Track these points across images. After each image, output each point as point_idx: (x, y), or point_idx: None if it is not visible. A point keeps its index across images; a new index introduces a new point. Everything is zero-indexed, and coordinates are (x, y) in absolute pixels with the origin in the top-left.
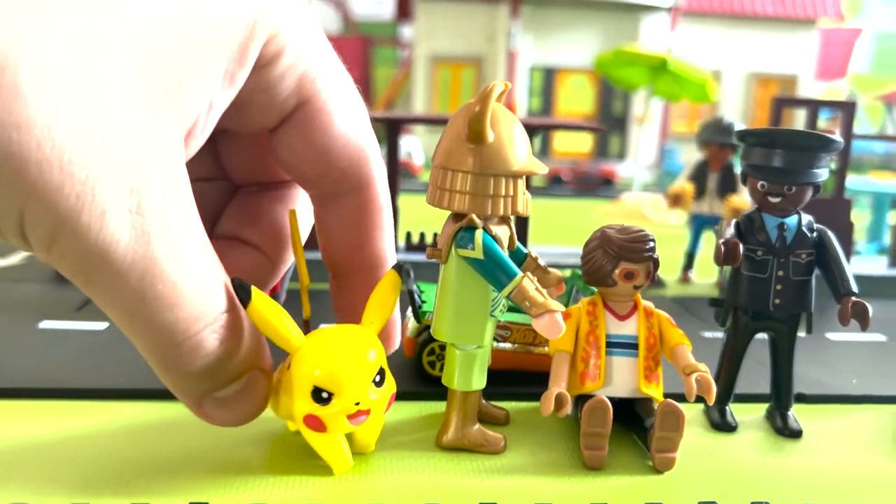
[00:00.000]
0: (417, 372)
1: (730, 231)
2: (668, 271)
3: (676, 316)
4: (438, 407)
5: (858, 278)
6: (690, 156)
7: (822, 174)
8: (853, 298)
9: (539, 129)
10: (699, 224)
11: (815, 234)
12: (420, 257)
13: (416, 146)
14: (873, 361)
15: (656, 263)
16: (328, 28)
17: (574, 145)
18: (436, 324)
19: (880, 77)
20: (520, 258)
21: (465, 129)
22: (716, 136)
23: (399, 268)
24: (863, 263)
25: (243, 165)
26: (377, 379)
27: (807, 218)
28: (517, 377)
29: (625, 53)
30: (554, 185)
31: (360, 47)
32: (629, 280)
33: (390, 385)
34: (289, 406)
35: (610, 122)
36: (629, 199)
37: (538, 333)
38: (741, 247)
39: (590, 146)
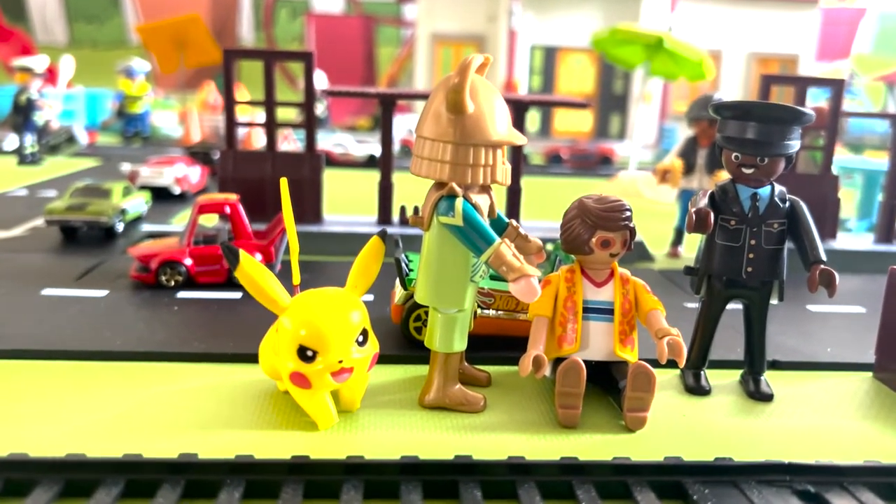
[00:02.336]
0: (404, 337)
1: (703, 201)
2: (658, 246)
3: (662, 287)
4: (423, 370)
5: (845, 253)
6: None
7: (794, 146)
8: (821, 266)
9: (529, 105)
10: (688, 199)
11: (787, 204)
12: (415, 232)
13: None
14: (850, 332)
15: (633, 232)
16: (332, 7)
17: (574, 124)
18: (419, 288)
19: (883, 57)
20: (501, 226)
21: (445, 101)
22: (704, 112)
23: (383, 234)
24: (850, 239)
25: None
26: (360, 339)
27: (779, 188)
28: (500, 342)
29: (621, 32)
30: (552, 163)
31: (363, 26)
32: (606, 248)
33: (373, 345)
34: (277, 365)
35: (611, 101)
36: (625, 177)
37: (520, 300)
38: (712, 216)
39: (590, 125)
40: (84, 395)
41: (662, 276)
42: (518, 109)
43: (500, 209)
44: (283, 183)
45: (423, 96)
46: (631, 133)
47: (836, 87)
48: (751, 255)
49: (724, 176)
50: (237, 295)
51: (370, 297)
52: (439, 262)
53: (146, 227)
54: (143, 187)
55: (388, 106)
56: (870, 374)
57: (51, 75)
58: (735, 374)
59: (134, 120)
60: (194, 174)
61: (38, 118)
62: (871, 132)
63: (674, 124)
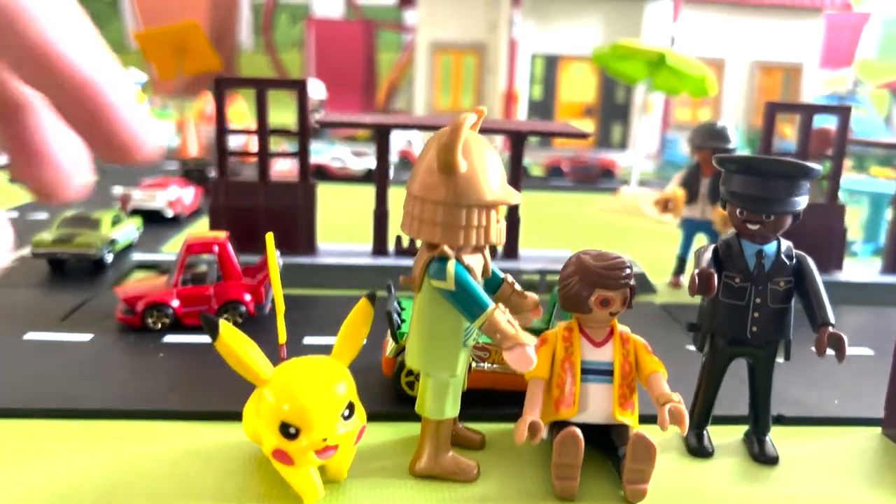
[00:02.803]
0: (395, 392)
1: (707, 258)
2: (660, 274)
3: (663, 325)
4: (415, 428)
5: (850, 285)
6: None
7: (802, 202)
8: (829, 329)
9: (527, 135)
10: (691, 228)
11: (794, 261)
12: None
13: (415, 135)
14: (858, 378)
15: (633, 290)
16: (332, 12)
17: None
18: (409, 352)
19: (887, 63)
20: (496, 283)
21: (436, 159)
22: (708, 141)
23: (372, 297)
24: (855, 269)
25: None
26: (346, 413)
27: (786, 244)
28: (495, 397)
29: (622, 48)
30: (553, 175)
31: (364, 31)
32: (605, 307)
33: (360, 417)
34: (259, 433)
35: (612, 111)
36: (627, 194)
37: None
38: (715, 277)
39: (592, 132)
40: (58, 459)
41: (664, 311)
42: (516, 139)
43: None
44: (269, 239)
45: (421, 126)
46: (633, 143)
47: (843, 115)
48: (756, 314)
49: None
50: None
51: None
52: (431, 325)
53: (137, 257)
54: (135, 211)
55: (383, 135)
56: (878, 429)
57: None
58: (738, 430)
59: None
60: (188, 196)
61: None
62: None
63: (676, 134)
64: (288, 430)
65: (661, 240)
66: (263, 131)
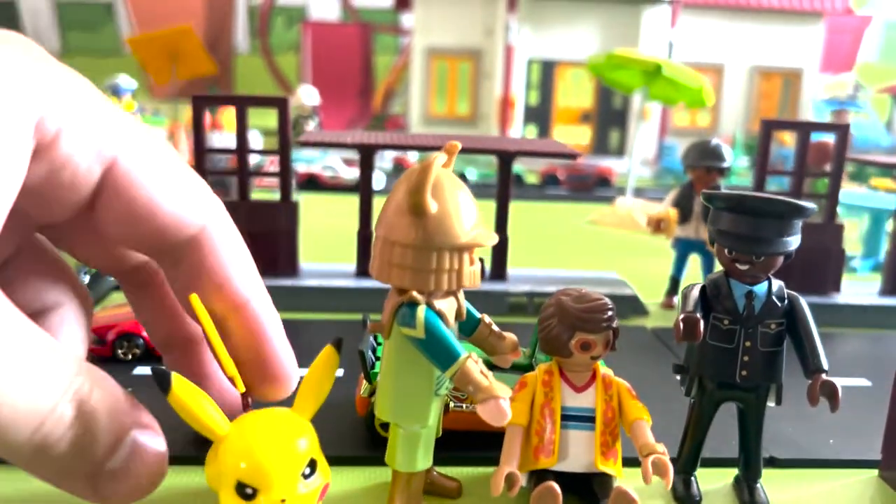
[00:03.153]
0: (369, 433)
1: (693, 299)
2: (653, 293)
3: (654, 351)
4: (388, 473)
5: (847, 308)
6: None
7: (794, 242)
8: (823, 377)
9: (514, 156)
10: (685, 248)
11: (785, 302)
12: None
13: None
14: (855, 413)
15: (616, 332)
16: (329, 15)
17: (572, 138)
18: (378, 401)
19: (888, 67)
20: (472, 325)
21: (405, 201)
22: (701, 160)
23: (338, 344)
24: (853, 291)
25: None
26: (307, 471)
27: (777, 284)
28: (473, 439)
29: (617, 57)
30: (548, 184)
31: (360, 34)
32: (586, 351)
33: (324, 473)
34: (218, 493)
35: (609, 117)
36: (622, 205)
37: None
38: (701, 324)
39: (588, 140)
40: None
41: (655, 337)
42: (504, 160)
43: (486, 261)
44: (195, 299)
45: (405, 146)
46: (630, 150)
47: (841, 133)
48: (745, 358)
49: None
50: None
51: (339, 373)
52: (400, 373)
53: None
54: None
55: (367, 156)
56: (875, 472)
57: None
58: (727, 474)
59: None
60: None
61: None
62: (877, 146)
63: (673, 141)
64: (244, 491)
65: (656, 255)
66: (243, 149)
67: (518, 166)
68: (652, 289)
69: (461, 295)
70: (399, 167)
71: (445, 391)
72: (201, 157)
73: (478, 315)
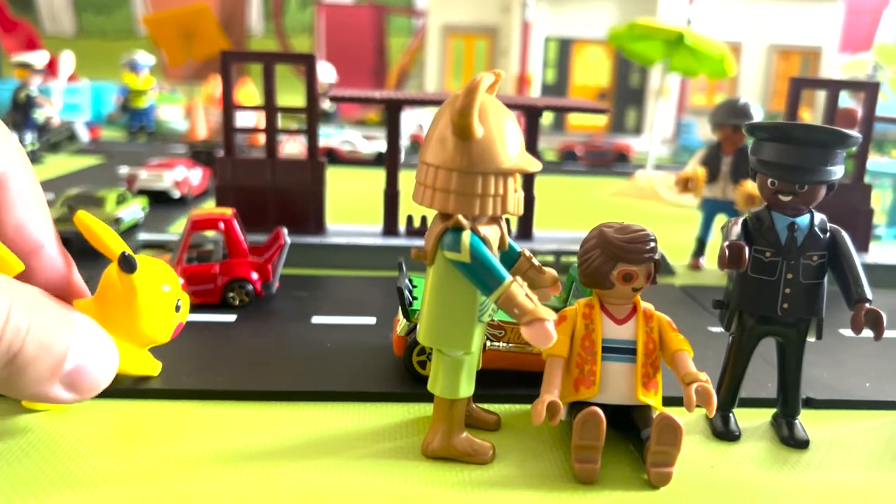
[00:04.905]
0: (407, 371)
1: (736, 231)
2: (679, 256)
3: (684, 307)
4: (427, 409)
5: (876, 267)
6: (708, 130)
7: (838, 171)
8: (867, 306)
9: (542, 110)
10: (711, 209)
11: (827, 234)
12: (421, 242)
13: (427, 119)
14: (888, 360)
15: (657, 265)
16: None
17: (589, 118)
18: (421, 328)
19: None
20: (513, 258)
21: (451, 124)
22: (729, 118)
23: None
24: (881, 251)
25: None
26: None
27: (819, 217)
28: (511, 378)
29: (639, 27)
30: (566, 160)
31: (374, 16)
32: (628, 282)
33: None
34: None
35: (627, 95)
36: (642, 177)
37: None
38: (746, 251)
39: (605, 119)
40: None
41: (684, 294)
42: (531, 115)
43: (512, 220)
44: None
45: (433, 101)
46: (648, 128)
47: (870, 91)
48: (787, 290)
49: (749, 186)
50: (231, 318)
51: (371, 320)
52: (444, 300)
53: (143, 236)
54: (141, 191)
55: (394, 111)
56: None
57: (52, 68)
58: (765, 414)
59: (139, 114)
60: (195, 176)
61: (38, 115)
62: (895, 126)
63: (691, 119)
64: (178, 305)
65: (679, 223)
66: (271, 108)
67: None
68: (677, 253)
69: (504, 224)
70: (416, 144)
71: (489, 318)
72: (230, 113)
73: (518, 248)
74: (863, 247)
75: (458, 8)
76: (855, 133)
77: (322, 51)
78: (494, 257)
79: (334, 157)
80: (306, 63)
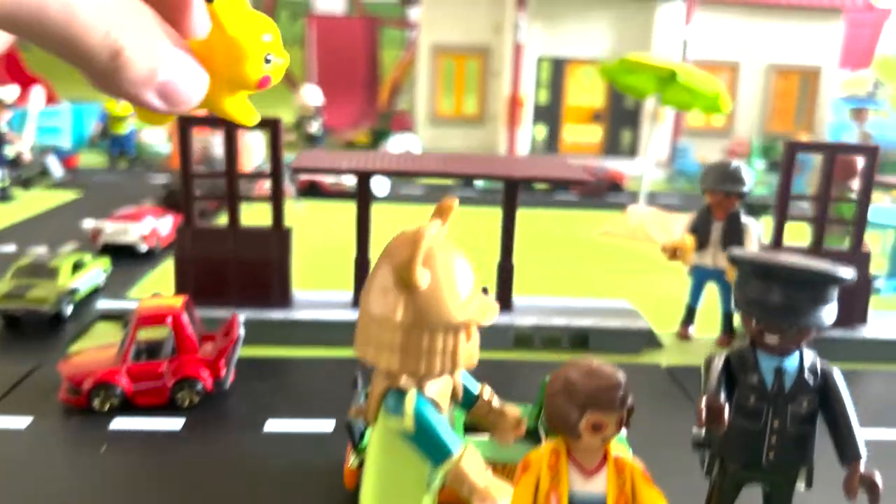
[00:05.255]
0: None
1: (716, 372)
2: (668, 318)
3: (668, 398)
4: None
5: (875, 344)
6: (705, 152)
7: (829, 313)
8: (861, 469)
9: (519, 183)
10: (701, 276)
11: (819, 376)
12: None
13: (415, 143)
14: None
15: (630, 411)
16: (334, 8)
17: (584, 136)
18: (363, 495)
19: None
20: (470, 401)
21: (393, 274)
22: (720, 183)
23: None
24: (880, 321)
25: None
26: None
27: (810, 357)
28: None
29: (629, 62)
30: (557, 189)
31: (367, 28)
32: (597, 432)
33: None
34: (225, 80)
35: (622, 116)
36: (633, 215)
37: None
38: (727, 411)
39: (600, 138)
40: None
41: (671, 379)
42: (509, 186)
43: (489, 285)
44: None
45: (407, 173)
46: (643, 153)
47: (870, 156)
48: (773, 439)
49: None
50: (178, 423)
51: (329, 425)
52: (388, 467)
53: (102, 304)
54: (106, 246)
55: (363, 180)
56: None
57: (23, 91)
58: None
59: (119, 141)
60: (164, 226)
61: (8, 151)
62: None
63: (687, 142)
64: (268, 59)
65: (671, 274)
66: (233, 174)
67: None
68: (667, 313)
69: (458, 375)
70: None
71: (440, 486)
72: (189, 182)
73: (476, 390)
74: (861, 318)
75: (448, 28)
76: (849, 273)
77: (313, 63)
78: (444, 424)
79: (317, 189)
80: (271, 129)
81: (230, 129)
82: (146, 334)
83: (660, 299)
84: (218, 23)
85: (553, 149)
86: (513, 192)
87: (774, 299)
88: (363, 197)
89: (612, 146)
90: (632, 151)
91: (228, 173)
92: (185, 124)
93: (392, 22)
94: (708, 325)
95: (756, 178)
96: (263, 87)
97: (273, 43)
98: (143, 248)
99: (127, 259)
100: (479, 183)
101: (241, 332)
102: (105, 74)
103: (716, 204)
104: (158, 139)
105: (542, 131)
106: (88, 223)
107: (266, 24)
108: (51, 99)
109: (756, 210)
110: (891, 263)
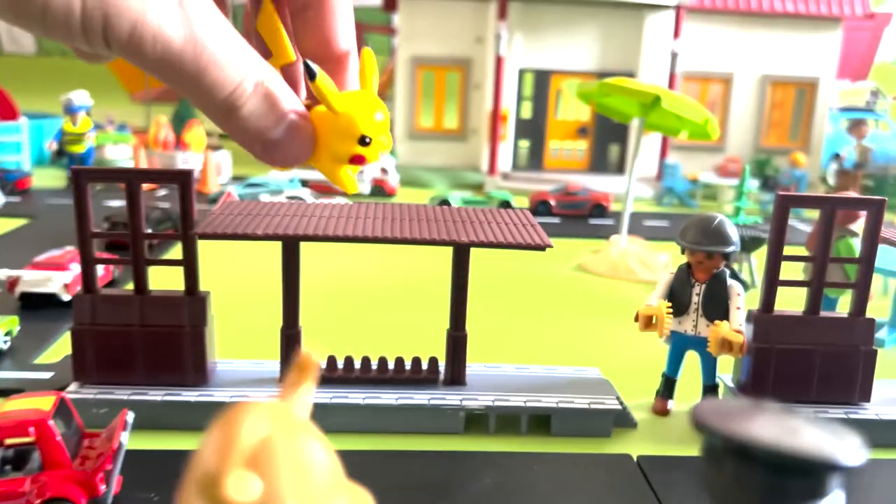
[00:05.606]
0: None
1: None
2: (646, 383)
3: (637, 499)
4: None
5: (879, 424)
6: (694, 169)
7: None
8: None
9: (468, 247)
10: (680, 344)
11: None
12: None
13: (390, 163)
14: None
15: None
16: None
17: (571, 154)
18: None
19: None
20: None
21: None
22: (701, 243)
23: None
24: (885, 391)
25: None
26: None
27: None
28: None
29: (609, 86)
30: (539, 211)
31: None
32: None
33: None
34: (326, 151)
35: (608, 131)
36: (616, 248)
37: None
38: None
39: (585, 155)
40: None
41: (639, 473)
42: (457, 253)
43: (439, 356)
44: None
45: (335, 238)
46: (628, 171)
47: (875, 211)
48: None
49: (723, 330)
50: None
51: None
52: None
53: (2, 374)
54: (24, 295)
55: (290, 247)
56: None
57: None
58: None
59: (77, 160)
60: (98, 269)
61: None
62: None
63: (676, 159)
64: (365, 140)
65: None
66: (137, 235)
67: (505, 193)
68: (645, 375)
69: None
70: (379, 189)
71: None
72: (87, 246)
73: None
74: (864, 395)
75: (428, 39)
76: (853, 459)
77: None
78: None
79: None
80: (180, 182)
81: (132, 184)
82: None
83: (638, 355)
84: (323, 98)
85: (537, 165)
86: (463, 258)
87: (758, 482)
88: (291, 264)
89: (598, 162)
90: (620, 168)
91: (133, 233)
92: (81, 178)
93: (377, 28)
94: (689, 393)
95: (747, 192)
96: (358, 164)
97: (376, 124)
98: (67, 297)
99: (43, 314)
100: (455, 203)
101: (125, 438)
102: (219, 123)
103: (696, 264)
104: (123, 155)
105: (525, 146)
106: (3, 273)
107: (372, 105)
108: (9, 113)
109: (748, 245)
110: (894, 311)
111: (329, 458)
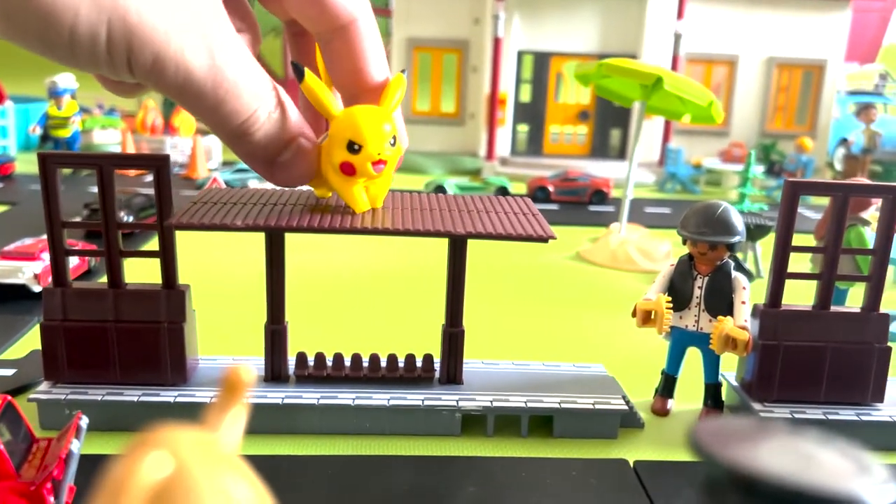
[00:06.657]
0: None
1: None
2: (647, 380)
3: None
4: None
5: (886, 425)
6: (697, 153)
7: None
8: None
9: (465, 238)
10: (681, 340)
11: None
12: (314, 392)
13: None
14: None
15: None
16: None
17: (571, 139)
18: None
19: None
20: None
21: None
22: (704, 233)
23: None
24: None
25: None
26: (392, 141)
27: None
28: None
29: (609, 67)
30: (538, 197)
31: None
32: None
33: (400, 148)
34: (327, 163)
35: (610, 115)
36: (615, 236)
37: None
38: None
39: (586, 140)
40: None
41: (636, 481)
42: (454, 245)
43: (434, 353)
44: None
45: (319, 229)
46: (629, 156)
47: (891, 196)
48: None
49: (727, 326)
50: None
51: None
52: None
53: None
54: None
55: (276, 238)
56: None
57: None
58: None
59: (62, 145)
60: (73, 259)
61: None
62: None
63: (680, 143)
64: (353, 146)
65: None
66: (110, 222)
67: (503, 179)
68: (647, 372)
69: None
70: None
71: None
72: (57, 233)
73: None
74: (878, 396)
75: (424, 20)
76: (879, 500)
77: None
78: None
79: None
80: (156, 166)
81: (104, 169)
82: None
83: (638, 351)
84: (315, 99)
85: (536, 151)
86: (459, 250)
87: None
88: (276, 255)
89: (599, 147)
90: (622, 153)
91: (106, 223)
92: (50, 163)
93: (375, 10)
94: (691, 394)
95: (753, 177)
96: (349, 174)
97: (371, 134)
98: (37, 288)
99: (16, 302)
100: (451, 190)
101: (75, 445)
102: (228, 144)
103: (699, 256)
104: (112, 139)
105: (524, 130)
106: None
107: (373, 118)
108: None
109: (753, 233)
110: None
111: (255, 499)
